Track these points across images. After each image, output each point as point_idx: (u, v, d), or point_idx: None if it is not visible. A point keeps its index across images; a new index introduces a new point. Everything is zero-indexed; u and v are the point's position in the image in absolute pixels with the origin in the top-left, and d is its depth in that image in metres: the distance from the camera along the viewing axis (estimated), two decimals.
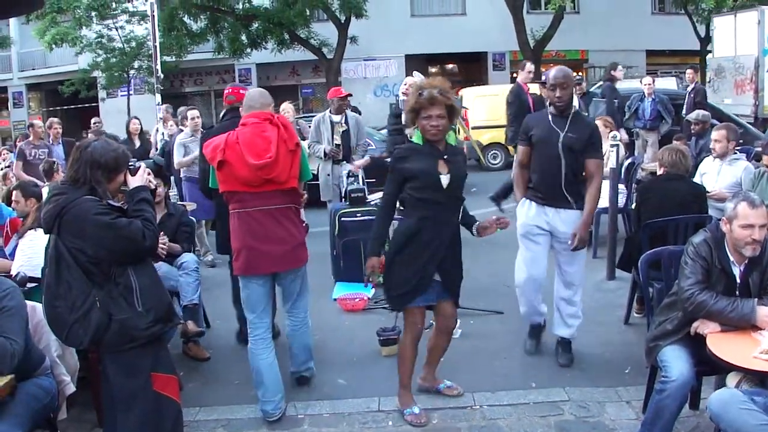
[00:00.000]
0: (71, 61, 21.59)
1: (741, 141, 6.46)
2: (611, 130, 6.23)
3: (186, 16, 17.89)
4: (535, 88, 7.86)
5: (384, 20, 20.33)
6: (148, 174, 3.07)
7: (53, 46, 18.31)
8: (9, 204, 5.09)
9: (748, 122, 10.84)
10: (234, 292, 4.71)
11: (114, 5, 18.60)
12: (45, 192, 4.68)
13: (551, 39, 18.52)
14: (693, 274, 2.98)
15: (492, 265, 6.02)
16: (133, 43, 19.92)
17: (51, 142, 8.25)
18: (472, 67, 24.09)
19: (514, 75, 21.38)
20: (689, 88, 10.29)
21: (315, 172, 5.50)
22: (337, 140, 6.30)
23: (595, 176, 3.93)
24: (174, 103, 12.70)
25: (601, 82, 11.28)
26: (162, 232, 4.19)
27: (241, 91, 4.54)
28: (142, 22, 18.50)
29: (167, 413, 2.97)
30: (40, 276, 3.70)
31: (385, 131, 8.88)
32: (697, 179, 5.35)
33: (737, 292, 2.98)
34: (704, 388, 3.32)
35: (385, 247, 3.62)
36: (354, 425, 3.56)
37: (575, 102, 4.17)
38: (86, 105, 22.31)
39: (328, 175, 6.38)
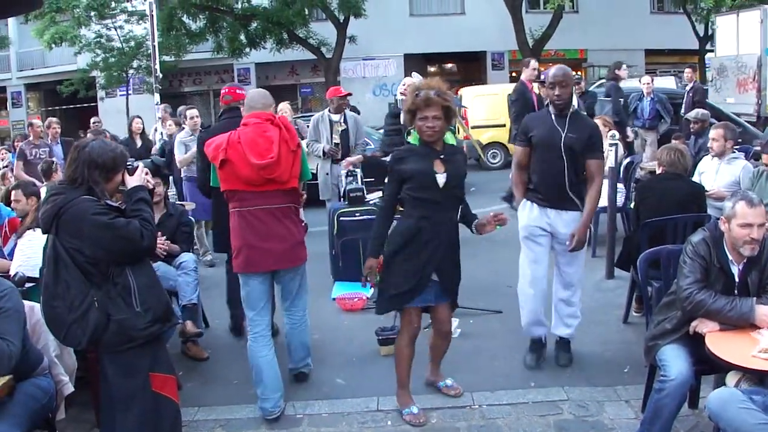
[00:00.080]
0: (70, 60, 21.59)
1: (740, 140, 6.46)
2: (610, 129, 6.23)
3: (185, 15, 17.92)
4: (535, 88, 7.83)
5: (383, 20, 20.33)
6: (146, 174, 3.07)
7: (52, 45, 18.34)
8: (8, 204, 5.08)
9: (750, 121, 10.84)
10: (228, 291, 4.72)
11: (113, 5, 18.66)
12: (43, 192, 4.68)
13: (550, 38, 18.51)
14: (692, 273, 2.98)
15: (492, 264, 6.02)
16: (132, 43, 19.92)
17: (50, 141, 8.23)
18: (471, 67, 24.08)
19: (513, 74, 21.43)
20: (688, 87, 10.28)
21: (314, 171, 5.50)
22: (336, 139, 6.30)
23: (596, 177, 3.88)
24: (173, 102, 12.69)
25: (600, 81, 11.27)
26: (160, 232, 4.20)
27: (238, 91, 4.57)
28: (141, 22, 18.52)
29: (166, 413, 2.97)
30: (38, 276, 3.71)
31: (382, 131, 8.86)
32: (695, 178, 5.35)
33: (736, 291, 2.98)
34: (703, 387, 3.33)
35: (384, 247, 3.62)
36: (353, 425, 3.56)
37: (575, 101, 4.14)
38: (85, 105, 22.34)
39: (327, 174, 6.37)
